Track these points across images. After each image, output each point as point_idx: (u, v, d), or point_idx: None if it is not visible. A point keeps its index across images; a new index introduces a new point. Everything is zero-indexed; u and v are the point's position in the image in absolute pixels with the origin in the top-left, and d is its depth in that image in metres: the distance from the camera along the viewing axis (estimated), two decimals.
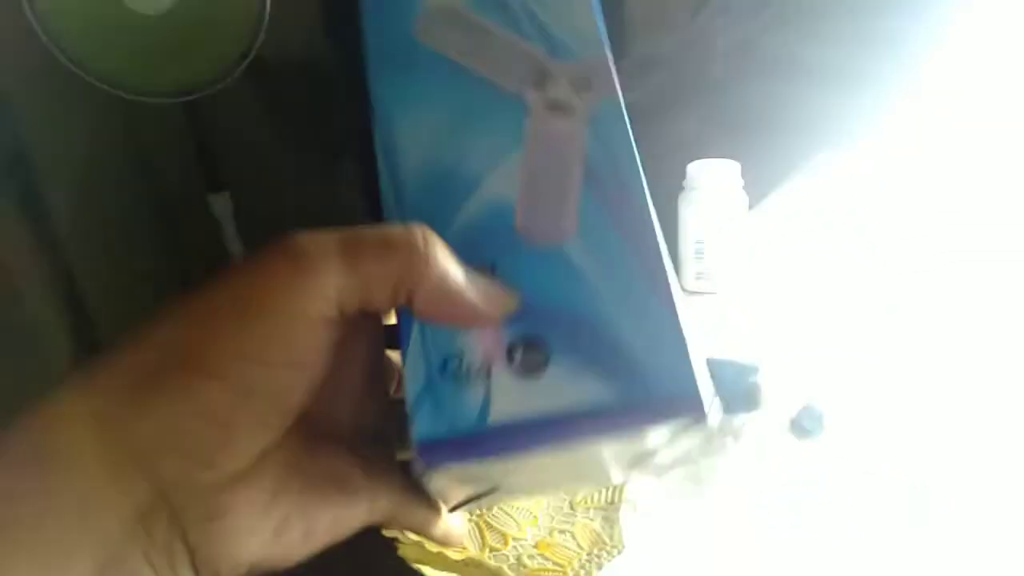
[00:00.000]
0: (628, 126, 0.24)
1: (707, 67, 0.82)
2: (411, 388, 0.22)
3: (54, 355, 0.64)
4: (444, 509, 0.25)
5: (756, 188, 0.63)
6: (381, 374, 0.26)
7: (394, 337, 0.24)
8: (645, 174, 0.24)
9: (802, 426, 0.43)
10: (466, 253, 0.22)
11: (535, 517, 0.39)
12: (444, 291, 0.22)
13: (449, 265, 0.22)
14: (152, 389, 0.20)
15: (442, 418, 0.21)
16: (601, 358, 0.21)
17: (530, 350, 0.21)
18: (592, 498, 0.40)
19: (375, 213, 0.24)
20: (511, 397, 0.21)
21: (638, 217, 0.23)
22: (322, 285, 0.21)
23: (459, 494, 0.24)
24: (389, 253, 0.22)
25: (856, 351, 0.49)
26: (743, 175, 0.58)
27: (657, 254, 0.22)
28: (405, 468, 0.24)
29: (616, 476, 0.26)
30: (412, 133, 0.25)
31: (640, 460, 0.24)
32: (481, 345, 0.22)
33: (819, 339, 0.50)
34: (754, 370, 0.45)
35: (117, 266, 0.63)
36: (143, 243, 0.62)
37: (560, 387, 0.21)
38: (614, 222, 0.23)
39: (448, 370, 0.22)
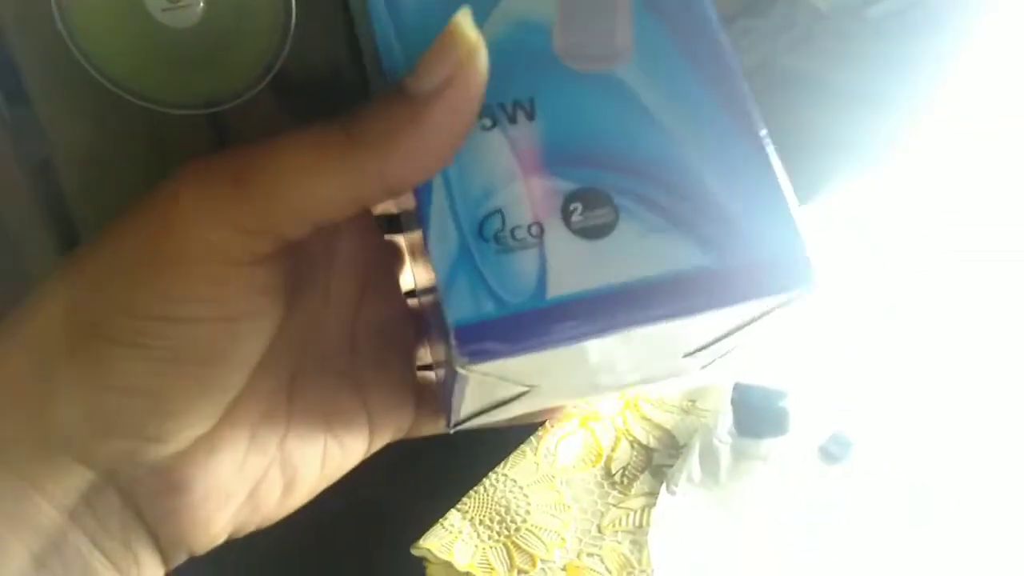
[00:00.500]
0: None
1: None
2: (440, 262, 0.17)
3: None
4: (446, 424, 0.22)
5: None
6: (383, 270, 0.23)
7: (394, 219, 0.19)
8: None
9: (831, 452, 0.43)
10: (492, 89, 0.18)
11: (563, 540, 0.39)
12: (413, 151, 0.17)
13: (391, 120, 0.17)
14: (61, 367, 0.18)
15: (486, 294, 0.17)
16: (683, 214, 0.17)
17: (593, 205, 0.17)
18: (620, 521, 0.40)
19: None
20: (575, 264, 0.17)
21: (709, 38, 0.18)
22: (209, 229, 0.18)
23: (476, 401, 0.20)
24: (288, 169, 0.18)
25: (884, 375, 0.48)
26: None
27: (740, 86, 0.18)
28: (417, 377, 0.21)
29: (675, 368, 0.22)
30: None
31: (711, 347, 0.20)
32: (528, 198, 0.18)
33: (848, 364, 0.50)
34: (783, 395, 0.44)
35: None
36: None
37: (635, 251, 0.17)
38: (680, 43, 0.18)
39: (487, 233, 0.17)
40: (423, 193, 0.18)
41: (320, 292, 0.21)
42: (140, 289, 0.18)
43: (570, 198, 0.18)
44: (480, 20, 0.18)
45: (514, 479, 0.46)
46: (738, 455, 0.44)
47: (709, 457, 0.45)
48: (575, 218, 0.18)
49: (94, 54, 0.42)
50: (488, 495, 0.46)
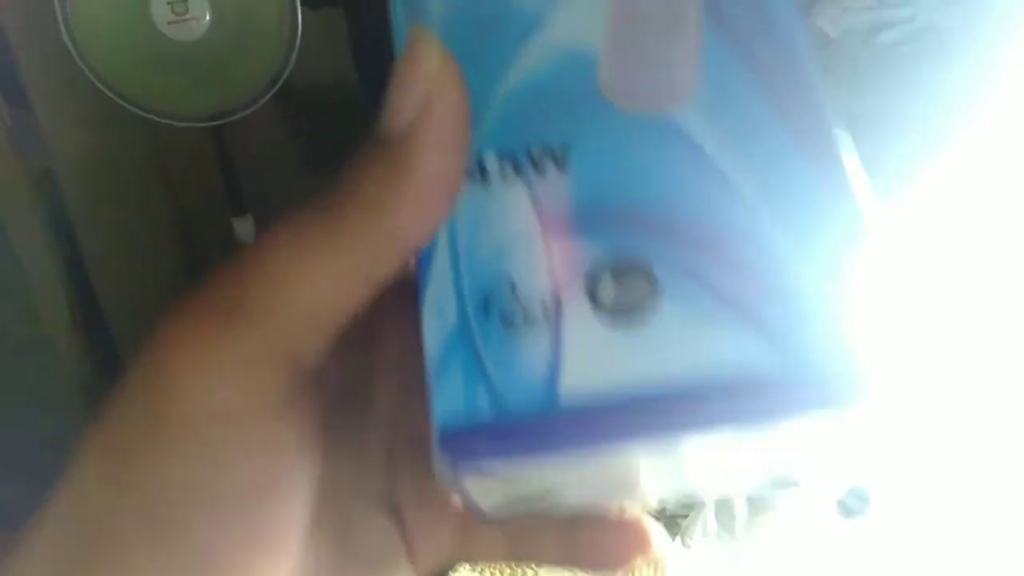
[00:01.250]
0: None
1: None
2: (432, 338, 0.14)
3: (72, 375, 0.64)
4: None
5: None
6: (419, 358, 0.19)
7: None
8: None
9: (848, 507, 0.42)
10: (520, 131, 0.15)
11: None
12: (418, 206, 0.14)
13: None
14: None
15: (482, 386, 0.14)
16: (742, 295, 0.13)
17: (627, 277, 0.14)
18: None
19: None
20: (598, 354, 0.13)
21: (796, 72, 0.15)
22: (211, 384, 0.15)
23: (490, 497, 0.16)
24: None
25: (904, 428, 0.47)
26: None
27: (832, 136, 0.14)
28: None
29: (717, 485, 0.17)
30: None
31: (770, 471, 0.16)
32: (546, 265, 0.14)
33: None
34: None
35: (140, 287, 0.64)
36: (166, 265, 0.62)
37: (677, 341, 0.13)
38: (757, 81, 0.15)
39: (493, 306, 0.14)
40: (425, 253, 0.15)
41: (360, 408, 0.18)
42: (147, 475, 0.16)
43: (598, 267, 0.14)
44: (515, 48, 0.15)
45: None
46: (754, 508, 0.43)
47: (724, 510, 0.43)
48: (603, 293, 0.14)
49: (99, 65, 0.42)
50: None
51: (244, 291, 0.15)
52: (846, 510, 0.42)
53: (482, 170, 0.15)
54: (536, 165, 0.15)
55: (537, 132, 0.15)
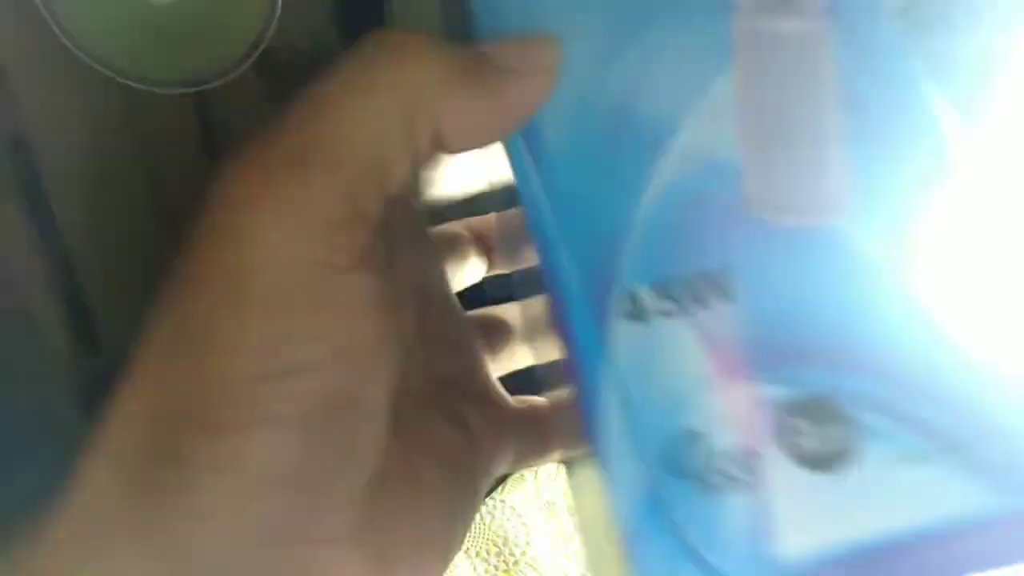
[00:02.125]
0: (893, 25, 0.14)
1: None
2: (621, 508, 0.13)
3: (49, 345, 0.63)
4: None
5: None
6: (441, 280, 0.19)
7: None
8: None
9: None
10: (671, 259, 0.13)
11: (566, 574, 0.38)
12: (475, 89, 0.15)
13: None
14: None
15: (685, 556, 0.12)
16: (953, 432, 0.12)
17: (823, 421, 0.12)
18: None
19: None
20: (806, 510, 0.12)
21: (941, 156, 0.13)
22: (286, 237, 0.15)
23: None
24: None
25: None
26: None
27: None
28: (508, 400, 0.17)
29: None
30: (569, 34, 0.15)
31: None
32: (731, 413, 0.12)
33: None
34: None
35: (117, 256, 0.63)
36: (144, 233, 0.61)
37: (890, 488, 0.12)
38: (916, 188, 0.13)
39: (681, 465, 0.13)
40: (589, 401, 0.13)
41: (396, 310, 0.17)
42: (231, 344, 0.14)
43: (789, 412, 0.13)
44: (648, 163, 0.13)
45: (512, 506, 0.44)
46: None
47: None
48: (800, 441, 0.12)
49: (74, 30, 0.41)
50: (484, 524, 0.43)
51: (310, 138, 0.15)
52: None
53: (638, 308, 0.13)
54: (698, 298, 0.13)
55: (695, 259, 0.13)
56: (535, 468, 0.39)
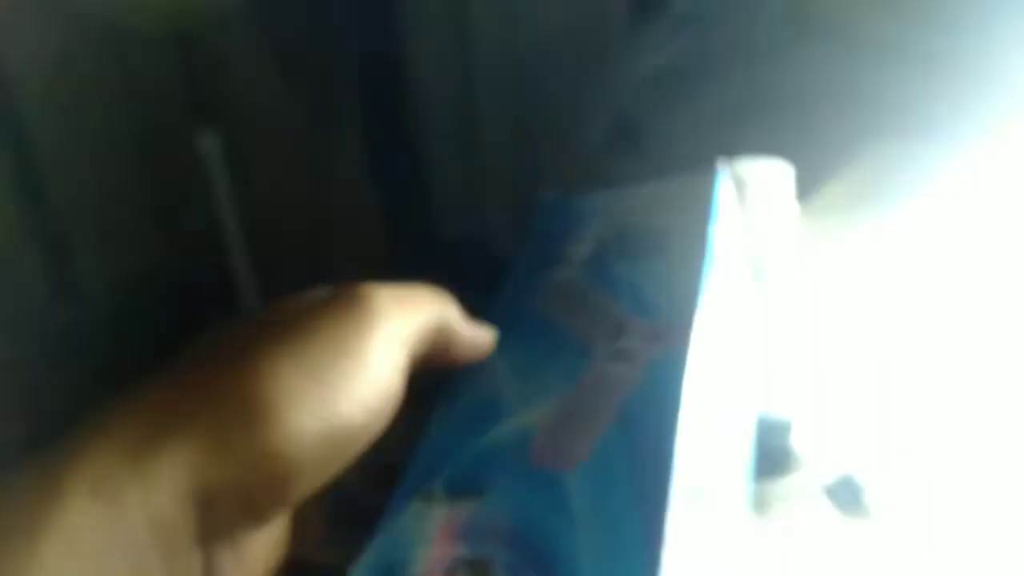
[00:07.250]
0: (683, 378, 0.23)
1: (753, 30, 0.74)
2: None
3: (28, 292, 0.61)
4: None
5: (800, 178, 0.54)
6: None
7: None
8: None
9: (840, 499, 0.39)
10: (466, 474, 0.22)
11: None
12: (470, 333, 0.24)
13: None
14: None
15: None
16: None
17: (476, 571, 0.19)
18: None
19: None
20: None
21: (658, 467, 0.20)
22: (398, 327, 0.21)
23: None
24: (431, 301, 0.22)
25: (896, 416, 0.44)
26: (785, 159, 0.51)
27: (663, 510, 0.20)
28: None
29: None
30: (489, 366, 0.25)
31: None
32: (430, 557, 0.20)
33: (858, 402, 0.45)
34: (786, 428, 0.40)
35: (100, 202, 0.60)
36: (128, 181, 0.59)
37: None
38: (630, 463, 0.21)
39: None
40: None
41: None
42: (318, 383, 0.20)
43: (457, 563, 0.20)
44: (488, 428, 0.23)
45: None
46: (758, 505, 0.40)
47: None
48: None
49: None
50: None
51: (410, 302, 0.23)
52: (838, 500, 0.40)
53: (429, 494, 0.22)
54: (459, 495, 0.22)
55: (476, 476, 0.22)
56: None
